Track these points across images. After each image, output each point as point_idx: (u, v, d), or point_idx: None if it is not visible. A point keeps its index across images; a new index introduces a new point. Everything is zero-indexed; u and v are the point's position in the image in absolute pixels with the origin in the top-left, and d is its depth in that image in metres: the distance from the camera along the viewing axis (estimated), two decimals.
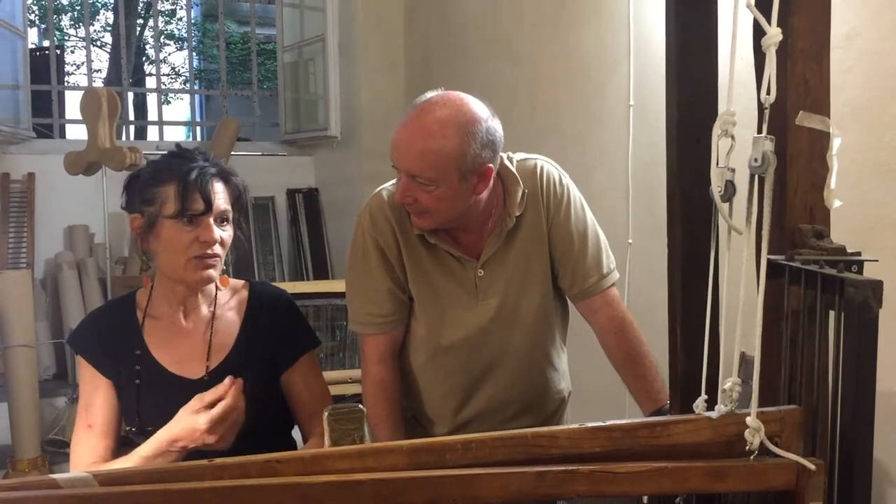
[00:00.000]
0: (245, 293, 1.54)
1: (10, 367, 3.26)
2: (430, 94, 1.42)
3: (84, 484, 0.73)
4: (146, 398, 1.43)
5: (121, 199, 1.48)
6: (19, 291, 3.29)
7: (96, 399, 1.44)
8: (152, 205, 1.39)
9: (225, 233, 1.43)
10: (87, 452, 1.41)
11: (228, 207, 1.44)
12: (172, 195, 1.38)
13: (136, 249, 1.53)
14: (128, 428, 1.45)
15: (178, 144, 1.52)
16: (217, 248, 1.41)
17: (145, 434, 1.41)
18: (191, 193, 1.38)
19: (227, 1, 5.87)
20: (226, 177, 1.45)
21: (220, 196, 1.42)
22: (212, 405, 1.33)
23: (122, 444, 1.45)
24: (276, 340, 1.50)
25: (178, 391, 1.41)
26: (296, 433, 1.59)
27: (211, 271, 1.42)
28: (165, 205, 1.38)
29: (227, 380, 1.36)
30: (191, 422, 1.32)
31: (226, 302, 1.52)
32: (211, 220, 1.40)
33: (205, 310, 1.50)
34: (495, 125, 1.41)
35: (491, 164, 1.41)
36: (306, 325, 1.59)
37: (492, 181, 1.43)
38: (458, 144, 1.35)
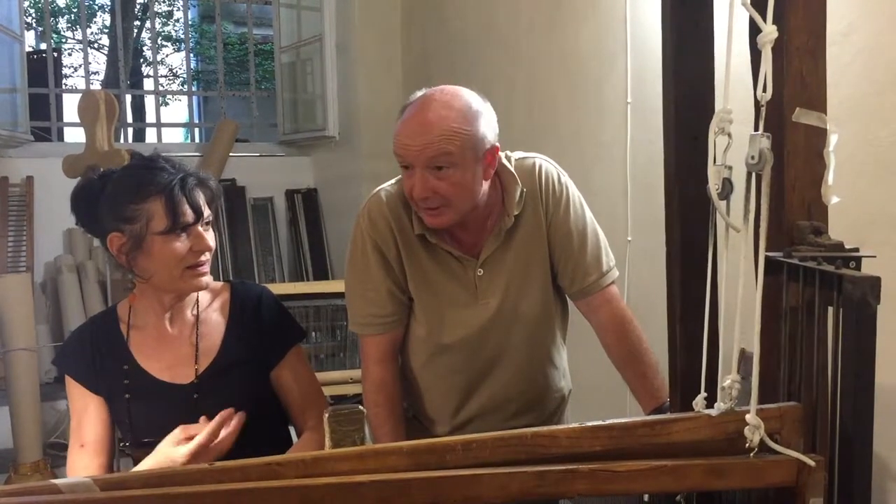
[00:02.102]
0: (227, 294, 1.53)
1: (10, 371, 3.26)
2: (420, 93, 1.44)
3: (85, 489, 0.73)
4: (138, 410, 1.43)
5: (75, 218, 1.43)
6: (19, 295, 3.29)
7: (87, 417, 1.44)
8: (134, 222, 1.36)
9: (210, 236, 1.42)
10: (81, 472, 1.39)
11: (210, 211, 1.43)
12: (159, 210, 1.35)
13: (116, 267, 1.50)
14: (123, 442, 1.45)
15: (137, 154, 1.48)
16: (208, 254, 1.41)
17: (141, 446, 1.41)
18: (179, 206, 1.36)
19: (224, 2, 5.86)
20: (202, 181, 1.43)
21: (203, 201, 1.41)
22: (192, 438, 1.31)
23: (120, 458, 1.45)
24: (263, 337, 1.50)
25: (169, 398, 1.41)
26: (291, 428, 1.59)
27: (205, 278, 1.43)
28: (152, 221, 1.35)
29: (218, 416, 1.34)
30: (170, 453, 1.31)
31: (209, 304, 1.51)
32: (200, 227, 1.39)
33: (189, 314, 1.49)
34: (490, 110, 1.45)
35: (497, 144, 1.44)
36: (291, 319, 1.58)
37: (496, 164, 1.45)
38: (469, 123, 1.38)
